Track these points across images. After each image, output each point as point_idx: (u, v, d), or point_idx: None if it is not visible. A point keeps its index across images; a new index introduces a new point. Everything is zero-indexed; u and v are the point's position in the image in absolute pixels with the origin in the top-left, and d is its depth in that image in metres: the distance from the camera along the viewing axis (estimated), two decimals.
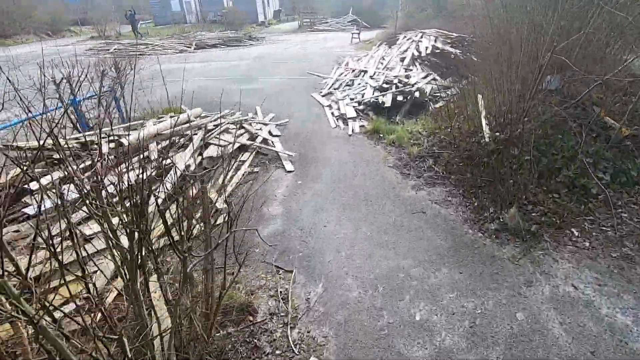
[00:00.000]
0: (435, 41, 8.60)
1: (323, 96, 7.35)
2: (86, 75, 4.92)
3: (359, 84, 7.78)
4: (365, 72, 8.61)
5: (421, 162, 4.12)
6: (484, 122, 4.11)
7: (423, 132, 4.92)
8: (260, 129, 5.30)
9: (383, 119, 5.59)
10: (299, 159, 4.43)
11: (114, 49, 16.37)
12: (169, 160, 3.44)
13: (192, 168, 3.45)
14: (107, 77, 5.28)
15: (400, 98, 5.95)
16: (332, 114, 6.12)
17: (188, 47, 16.51)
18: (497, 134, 3.81)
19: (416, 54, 8.13)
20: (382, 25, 21.14)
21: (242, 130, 4.96)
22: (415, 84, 6.41)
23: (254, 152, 4.55)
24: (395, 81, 6.53)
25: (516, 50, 4.68)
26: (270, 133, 5.27)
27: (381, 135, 4.99)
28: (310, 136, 5.20)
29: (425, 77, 7.02)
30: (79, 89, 4.64)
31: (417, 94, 5.92)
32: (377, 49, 11.66)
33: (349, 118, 5.71)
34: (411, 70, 7.65)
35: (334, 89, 7.82)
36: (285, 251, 2.75)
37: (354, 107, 6.11)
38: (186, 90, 8.83)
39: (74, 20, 31.07)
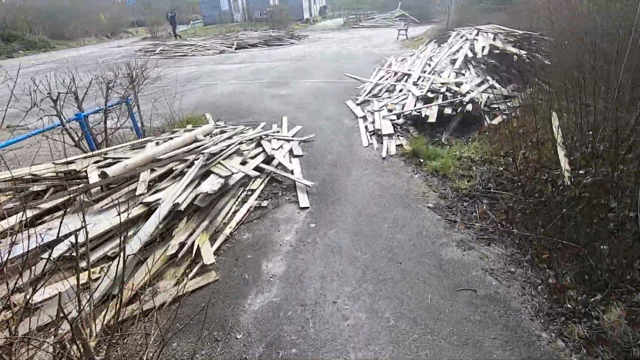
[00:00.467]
0: (494, 39, 7.37)
1: (358, 105, 6.53)
2: (109, 82, 4.57)
3: (401, 90, 6.84)
4: (409, 75, 7.62)
5: (472, 204, 3.18)
6: (561, 153, 3.07)
7: (475, 158, 3.94)
8: (281, 146, 4.63)
9: (425, 138, 4.66)
10: (318, 190, 3.68)
11: (160, 50, 16.69)
12: (155, 197, 2.87)
13: (183, 206, 2.85)
14: (120, 87, 4.90)
15: (448, 111, 4.97)
16: (366, 128, 5.29)
17: (229, 47, 16.38)
18: (582, 173, 2.78)
19: (470, 55, 6.99)
20: (433, 20, 19.61)
21: (258, 150, 4.31)
22: (467, 92, 5.37)
23: (267, 179, 3.88)
24: (443, 89, 5.53)
25: (610, 54, 3.55)
26: (291, 152, 4.58)
27: (421, 160, 4.09)
28: (336, 158, 4.43)
29: (480, 84, 5.92)
30: (82, 99, 4.27)
31: (469, 106, 4.90)
32: (424, 47, 10.52)
33: (385, 135, 4.85)
34: (463, 74, 6.55)
35: (372, 96, 6.96)
36: (275, 342, 2.03)
37: (391, 120, 5.23)
38: (218, 95, 8.49)
39: (131, 21, 32.82)
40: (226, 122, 6.15)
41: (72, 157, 3.51)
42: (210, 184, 3.02)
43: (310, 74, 9.63)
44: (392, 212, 3.19)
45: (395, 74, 8.30)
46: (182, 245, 2.69)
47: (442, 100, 5.35)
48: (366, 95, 7.03)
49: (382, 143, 4.74)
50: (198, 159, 3.35)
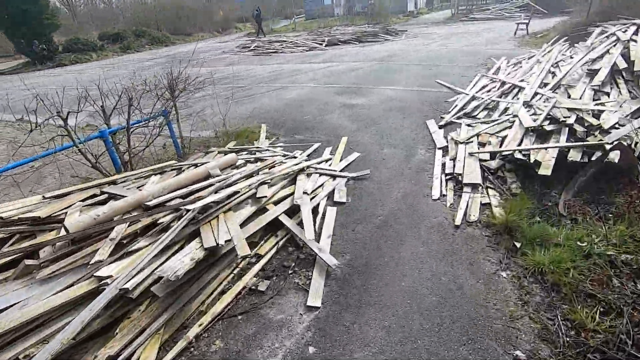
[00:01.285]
0: None
1: (441, 127, 5.05)
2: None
3: (505, 110, 5.11)
4: (521, 89, 5.75)
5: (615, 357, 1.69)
6: None
7: (620, 257, 2.30)
8: (322, 186, 3.59)
9: (530, 199, 3.09)
10: (344, 273, 2.55)
11: (254, 47, 16.96)
12: (108, 271, 2.14)
13: (136, 293, 2.06)
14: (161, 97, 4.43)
15: (575, 156, 3.26)
16: (443, 166, 3.88)
17: (320, 43, 15.73)
18: None
19: (622, 64, 4.84)
20: (565, 11, 15.87)
21: (290, 189, 3.36)
22: (612, 128, 3.52)
23: (283, 238, 2.90)
24: (571, 119, 3.75)
25: None
26: (331, 196, 3.51)
27: (517, 243, 2.60)
28: (389, 214, 3.19)
29: (637, 114, 3.91)
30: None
31: (613, 154, 3.11)
32: (549, 48, 8.16)
33: (467, 184, 3.41)
34: (607, 95, 4.52)
35: (464, 114, 5.37)
36: None
37: (481, 161, 3.72)
38: (287, 100, 7.77)
39: (240, 17, 35.01)
40: (277, 139, 5.36)
41: (67, 188, 3.05)
42: (180, 263, 2.16)
43: (395, 78, 8.26)
44: (452, 349, 1.90)
45: (502, 84, 6.44)
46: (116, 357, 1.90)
47: (567, 138, 3.61)
48: (456, 113, 5.46)
49: (461, 196, 3.32)
50: (183, 215, 2.54)
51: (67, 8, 31.18)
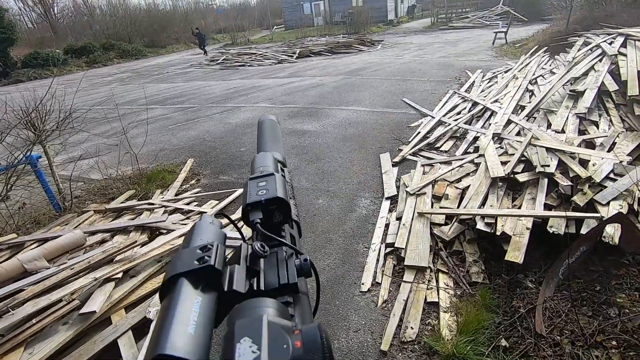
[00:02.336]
0: None
1: (396, 164, 4.09)
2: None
3: (475, 140, 4.19)
4: (493, 113, 4.85)
5: None
6: None
7: None
8: None
9: (497, 292, 2.12)
10: None
11: (222, 59, 16.01)
12: None
13: None
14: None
15: (557, 228, 2.31)
16: (386, 231, 2.89)
17: (291, 55, 14.85)
18: None
19: (611, 87, 3.96)
20: (545, 18, 15.31)
21: (158, 282, 2.32)
22: (606, 178, 2.60)
23: None
24: (551, 165, 2.81)
25: None
26: None
27: None
28: None
29: (634, 157, 2.99)
30: None
31: (611, 230, 2.16)
32: (527, 60, 7.35)
33: (410, 267, 2.42)
34: (597, 124, 3.62)
35: (426, 145, 4.43)
36: None
37: (433, 226, 2.74)
38: (230, 126, 6.70)
39: (217, 29, 34.15)
40: (198, 181, 4.34)
41: None
42: None
43: (359, 97, 7.33)
44: None
45: (474, 104, 5.54)
46: None
47: (547, 192, 2.66)
48: (416, 144, 4.52)
49: (400, 285, 2.32)
50: None
51: (34, 22, 29.88)
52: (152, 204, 3.31)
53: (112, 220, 3.08)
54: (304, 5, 32.04)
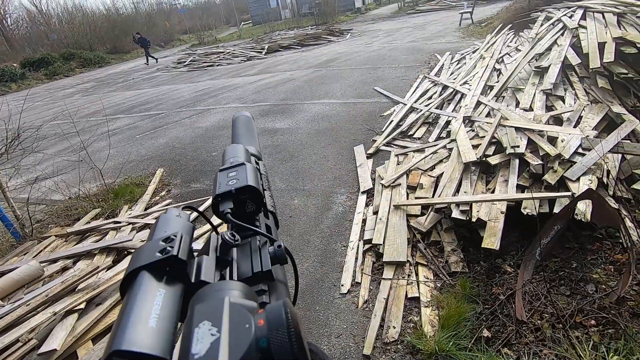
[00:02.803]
0: (620, 25, 4.19)
1: (370, 156, 4.03)
2: None
3: (447, 124, 4.17)
4: (463, 95, 4.84)
5: None
6: None
7: None
8: None
9: (477, 280, 2.10)
10: None
11: (190, 61, 15.54)
12: None
13: None
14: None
15: (531, 209, 2.29)
16: (363, 226, 2.83)
17: (260, 51, 14.55)
18: None
19: (574, 61, 3.99)
20: None
21: None
22: (575, 154, 2.60)
23: None
24: (521, 145, 2.80)
25: None
26: None
27: None
28: None
29: (600, 132, 3.01)
30: None
31: (583, 206, 2.16)
32: (492, 39, 7.39)
33: (389, 263, 2.37)
34: (563, 99, 3.64)
35: (400, 134, 4.39)
36: None
37: (410, 217, 2.69)
38: (201, 130, 6.45)
39: (182, 29, 33.15)
40: (169, 192, 4.17)
41: None
42: None
43: (330, 89, 7.22)
44: None
45: (444, 88, 5.53)
46: None
47: (519, 172, 2.65)
48: (390, 132, 4.46)
49: (380, 283, 2.27)
50: None
51: None
52: (118, 222, 3.14)
53: (76, 244, 2.90)
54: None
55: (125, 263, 2.45)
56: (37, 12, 30.16)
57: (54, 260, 2.56)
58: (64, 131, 6.69)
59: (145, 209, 3.65)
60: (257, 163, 0.58)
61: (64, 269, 2.49)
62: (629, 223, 2.18)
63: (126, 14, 32.75)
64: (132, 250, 2.70)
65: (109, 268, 2.40)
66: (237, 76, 10.78)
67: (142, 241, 2.84)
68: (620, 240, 2.18)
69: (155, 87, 11.70)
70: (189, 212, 0.45)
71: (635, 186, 2.47)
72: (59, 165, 5.33)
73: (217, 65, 13.85)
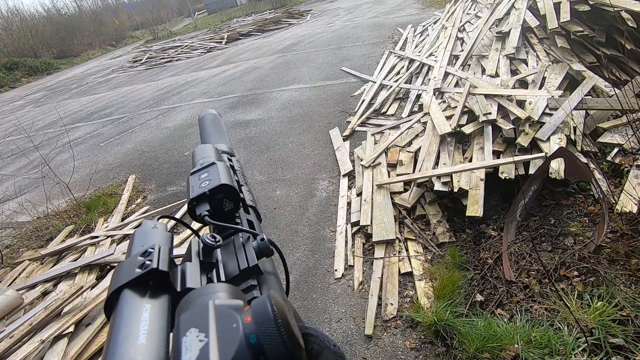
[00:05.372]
0: None
1: (347, 138, 4.02)
2: None
3: (418, 98, 4.21)
4: (430, 67, 4.88)
5: None
6: None
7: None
8: None
9: (464, 247, 2.17)
10: None
11: (146, 59, 14.81)
12: None
13: None
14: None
15: (508, 173, 2.37)
16: (349, 209, 2.84)
17: (219, 42, 14.04)
18: None
19: (532, 23, 4.08)
20: None
21: None
22: (544, 114, 2.69)
23: None
24: (493, 113, 2.87)
25: None
26: None
27: (455, 350, 1.64)
28: None
29: (564, 85, 3.12)
30: None
31: (556, 164, 2.25)
32: (452, 8, 7.44)
33: (379, 242, 2.40)
34: (526, 62, 3.74)
35: (374, 113, 4.39)
36: None
37: (393, 195, 2.72)
38: (169, 130, 6.19)
39: (133, 25, 31.41)
40: (145, 198, 4.02)
41: None
42: None
43: (298, 74, 7.10)
44: None
45: (411, 62, 5.55)
46: None
47: (493, 138, 2.72)
48: (363, 112, 4.45)
49: (373, 263, 2.30)
50: None
51: None
52: (96, 237, 3.00)
53: (53, 266, 2.76)
54: None
55: (110, 278, 2.35)
56: None
57: (32, 286, 2.43)
58: (20, 147, 6.27)
59: (123, 219, 3.50)
60: (230, 159, 0.57)
61: (45, 294, 2.37)
62: (598, 175, 2.29)
63: (69, 14, 30.58)
64: (116, 265, 2.60)
65: (93, 286, 2.30)
66: (199, 70, 10.39)
67: (124, 253, 2.74)
68: (592, 193, 2.30)
69: (113, 89, 11.11)
70: (165, 222, 0.45)
71: (600, 139, 2.60)
72: (20, 185, 5.01)
73: (177, 60, 13.27)
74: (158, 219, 0.42)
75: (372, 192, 2.80)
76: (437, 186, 2.46)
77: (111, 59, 20.71)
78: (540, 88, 3.09)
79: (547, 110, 2.75)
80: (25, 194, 4.50)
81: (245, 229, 0.43)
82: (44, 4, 58.94)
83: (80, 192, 4.31)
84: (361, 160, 3.24)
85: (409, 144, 3.18)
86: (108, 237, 3.00)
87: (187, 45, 14.55)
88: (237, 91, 7.12)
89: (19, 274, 2.74)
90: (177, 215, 3.43)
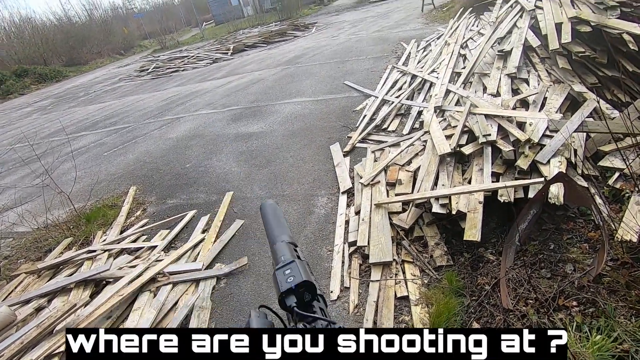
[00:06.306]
0: (574, 5, 4.32)
1: (347, 154, 4.02)
2: None
3: (419, 113, 4.21)
4: (432, 84, 4.90)
5: None
6: None
7: None
8: (173, 308, 2.37)
9: (462, 272, 2.13)
10: None
11: (153, 68, 15.02)
12: None
13: None
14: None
15: (506, 196, 2.34)
16: (347, 228, 2.82)
17: (225, 52, 14.22)
18: None
19: (534, 42, 4.09)
20: None
21: None
22: (544, 137, 2.67)
23: None
24: (493, 134, 2.85)
25: None
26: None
27: None
28: None
29: (564, 110, 3.11)
30: None
31: (555, 190, 2.22)
32: (455, 24, 7.50)
33: (375, 264, 2.37)
34: (527, 81, 3.74)
35: (374, 128, 4.40)
36: None
37: (392, 215, 2.70)
38: (171, 141, 6.21)
39: (142, 34, 31.96)
40: (145, 210, 4.03)
41: None
42: None
43: (301, 87, 7.15)
44: None
45: (413, 77, 5.58)
46: None
47: (493, 160, 2.70)
48: (364, 128, 4.46)
49: (369, 285, 2.27)
50: None
51: None
52: (93, 250, 3.00)
53: (49, 280, 2.75)
54: None
55: (104, 295, 2.35)
56: None
57: (27, 301, 2.42)
58: (24, 156, 6.33)
59: (121, 232, 3.50)
60: (296, 250, 0.67)
61: (39, 310, 2.36)
62: (598, 200, 2.26)
63: (80, 22, 31.18)
64: (111, 280, 2.59)
65: (86, 304, 2.28)
66: (204, 80, 10.50)
67: (120, 268, 2.73)
68: (592, 218, 2.27)
69: (119, 98, 11.25)
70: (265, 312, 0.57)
71: (601, 163, 2.57)
72: (22, 194, 5.05)
73: (183, 71, 13.44)
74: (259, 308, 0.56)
75: (371, 211, 2.78)
76: (436, 208, 2.44)
77: (119, 68, 21.05)
78: (541, 109, 3.08)
79: (548, 132, 2.74)
80: (26, 204, 4.52)
81: (324, 318, 0.53)
82: (56, 13, 60.22)
83: (80, 203, 4.32)
84: (361, 178, 3.23)
85: (409, 162, 3.17)
86: (105, 251, 3.00)
87: (193, 56, 14.75)
88: (240, 103, 7.17)
89: (15, 288, 2.74)
90: (178, 228, 3.42)
